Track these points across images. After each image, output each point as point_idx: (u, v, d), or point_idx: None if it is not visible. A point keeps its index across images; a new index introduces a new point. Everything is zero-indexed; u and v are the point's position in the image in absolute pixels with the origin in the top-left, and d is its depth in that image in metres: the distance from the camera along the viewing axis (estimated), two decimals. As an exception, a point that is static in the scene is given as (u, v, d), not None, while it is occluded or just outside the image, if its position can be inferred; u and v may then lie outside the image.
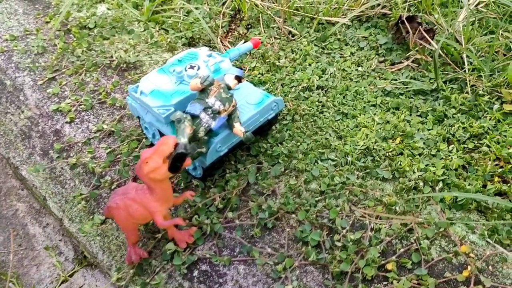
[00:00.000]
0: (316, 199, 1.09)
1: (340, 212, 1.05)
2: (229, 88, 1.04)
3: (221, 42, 1.61)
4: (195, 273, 1.02)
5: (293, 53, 1.53)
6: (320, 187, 1.11)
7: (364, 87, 1.38)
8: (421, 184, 1.08)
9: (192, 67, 1.12)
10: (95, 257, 1.16)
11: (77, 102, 1.42)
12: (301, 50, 1.53)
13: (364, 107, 1.32)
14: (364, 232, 1.01)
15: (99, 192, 1.20)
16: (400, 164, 1.13)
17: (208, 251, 1.03)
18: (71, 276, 1.26)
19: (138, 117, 1.22)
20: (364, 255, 0.97)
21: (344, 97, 1.36)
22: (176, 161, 0.85)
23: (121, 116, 1.37)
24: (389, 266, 0.95)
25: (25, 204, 1.43)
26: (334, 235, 1.01)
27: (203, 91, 1.01)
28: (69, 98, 1.44)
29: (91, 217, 1.19)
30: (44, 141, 1.38)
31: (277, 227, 1.06)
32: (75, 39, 1.62)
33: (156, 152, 0.87)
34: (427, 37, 1.44)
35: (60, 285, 1.24)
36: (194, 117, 1.01)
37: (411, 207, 1.04)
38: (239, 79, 1.06)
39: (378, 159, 1.16)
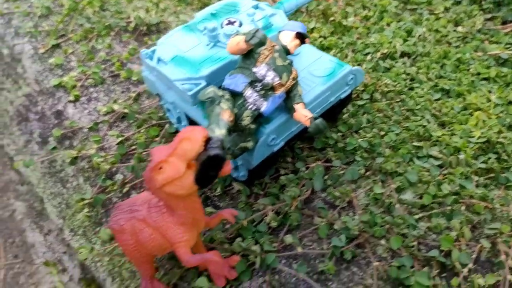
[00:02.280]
0: (416, 217, 0.73)
1: (457, 239, 0.69)
2: (287, 52, 0.69)
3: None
4: (238, 324, 0.69)
5: (364, 10, 1.15)
6: (420, 198, 0.75)
7: (470, 54, 0.99)
8: None
9: (231, 23, 0.78)
10: (103, 284, 0.86)
11: (84, 75, 1.11)
12: (375, 5, 1.15)
13: (473, 81, 0.94)
14: (499, 274, 0.65)
15: (107, 196, 0.89)
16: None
17: (257, 293, 0.70)
18: (75, 302, 0.96)
19: (158, 95, 0.89)
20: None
21: (442, 67, 0.98)
22: (207, 169, 0.52)
23: (138, 93, 1.05)
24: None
25: (25, 204, 1.14)
26: (451, 278, 0.66)
27: (249, 55, 0.67)
28: (75, 70, 1.13)
29: (97, 229, 0.88)
30: (43, 125, 1.07)
31: (359, 258, 0.72)
32: (86, -4, 1.29)
33: (175, 151, 0.53)
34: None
35: (61, 314, 0.95)
36: (236, 95, 0.66)
37: None
38: (301, 38, 0.70)
39: (506, 157, 0.78)
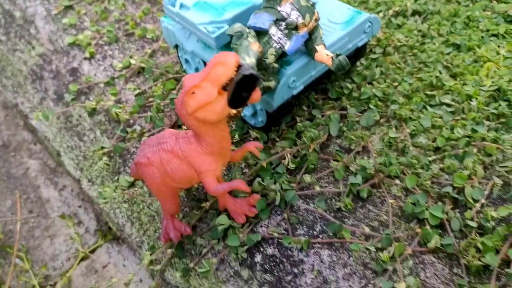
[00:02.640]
0: (430, 158, 0.75)
1: (469, 177, 0.72)
2: (309, -7, 0.71)
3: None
4: (258, 258, 0.72)
5: (375, -29, 1.16)
6: (433, 142, 0.78)
7: (479, 12, 1.01)
8: None
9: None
10: (121, 230, 0.88)
11: (99, 34, 1.12)
12: (385, -33, 1.16)
13: (482, 37, 0.96)
14: (511, 208, 0.67)
15: (126, 145, 0.91)
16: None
17: (277, 228, 0.73)
18: (92, 252, 0.99)
19: (176, 47, 0.91)
20: (516, 242, 0.64)
21: (452, 24, 1.00)
22: (242, 89, 0.53)
23: (153, 50, 1.06)
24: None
25: (38, 162, 1.16)
26: (464, 212, 0.68)
27: (273, -5, 0.68)
28: (89, 29, 1.14)
29: (115, 178, 0.90)
30: (58, 83, 1.09)
31: (375, 197, 0.74)
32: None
33: (207, 77, 0.55)
34: None
35: (79, 263, 0.97)
36: (260, 34, 0.68)
37: None
38: (323, -19, 0.72)
39: (517, 104, 0.81)
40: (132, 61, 1.01)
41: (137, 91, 0.96)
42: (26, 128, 1.21)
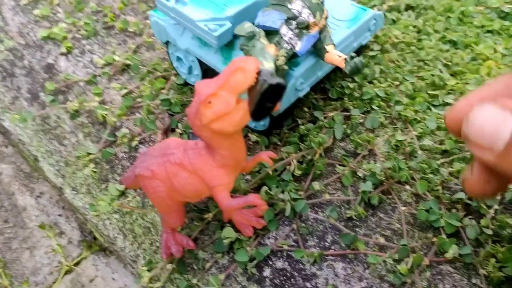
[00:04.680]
0: (438, 162, 0.74)
1: (481, 182, 0.70)
2: (318, -10, 0.67)
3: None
4: (267, 272, 0.68)
5: (365, -37, 1.13)
6: (441, 144, 0.76)
7: (472, 8, 1.00)
8: None
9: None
10: (113, 243, 0.82)
11: (75, 26, 1.03)
12: (375, -42, 1.13)
13: (478, 33, 0.95)
14: (524, 213, 0.67)
15: (114, 150, 0.84)
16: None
17: (286, 240, 0.69)
18: (77, 264, 0.92)
19: (166, 43, 0.84)
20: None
21: (446, 20, 0.98)
22: (267, 99, 0.49)
23: (137, 45, 0.99)
24: None
25: (11, 166, 1.07)
26: (478, 219, 0.67)
27: (282, -7, 0.64)
28: (64, 21, 1.05)
29: (103, 186, 0.83)
30: (32, 80, 1.00)
31: (385, 204, 0.72)
32: None
33: (226, 84, 0.50)
34: None
35: (63, 276, 0.90)
36: (269, 33, 0.63)
37: None
38: (331, -22, 0.68)
39: (520, 104, 0.80)
40: (116, 58, 0.94)
41: (124, 91, 0.89)
42: (-4, 129, 1.11)
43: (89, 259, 0.92)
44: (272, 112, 0.52)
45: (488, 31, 0.96)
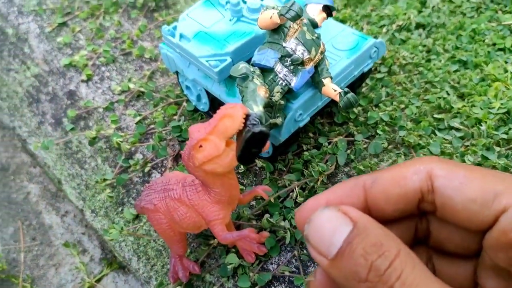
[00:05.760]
0: (441, 188, 0.74)
1: (482, 209, 0.70)
2: (314, 25, 0.68)
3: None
4: (269, 297, 0.71)
5: (376, -19, 1.13)
6: (444, 170, 0.76)
7: (484, 24, 0.99)
8: None
9: (253, -3, 0.76)
10: (128, 264, 0.87)
11: (95, 53, 1.09)
12: (387, -24, 1.13)
13: (489, 52, 0.93)
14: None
15: (129, 176, 0.89)
16: None
17: (288, 266, 0.71)
18: (98, 281, 0.97)
19: (177, 73, 0.88)
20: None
21: (457, 38, 0.98)
22: (251, 145, 0.51)
23: (152, 71, 1.03)
24: None
25: (38, 186, 1.14)
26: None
27: (278, 29, 0.66)
28: (85, 48, 1.11)
29: (119, 209, 0.88)
30: (56, 106, 1.06)
31: (386, 230, 0.73)
32: (89, -28, 1.26)
33: (215, 129, 0.53)
34: None
35: (85, 293, 0.96)
36: (265, 71, 0.66)
37: None
38: (328, 11, 0.69)
39: (527, 127, 0.79)
40: (131, 85, 0.98)
41: (138, 118, 0.93)
42: (24, 150, 1.19)
43: (109, 276, 0.98)
44: (260, 153, 0.55)
45: (500, 49, 0.94)
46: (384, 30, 1.00)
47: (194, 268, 0.73)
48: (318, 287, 0.38)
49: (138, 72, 1.04)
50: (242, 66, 0.63)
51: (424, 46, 0.97)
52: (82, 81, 1.05)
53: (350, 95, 0.65)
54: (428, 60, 0.94)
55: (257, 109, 0.58)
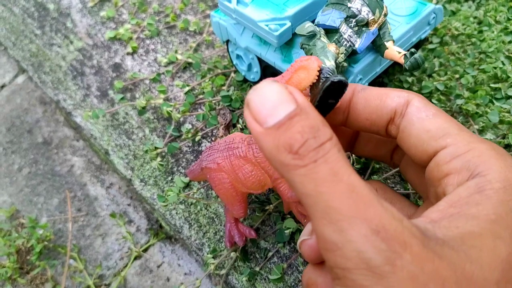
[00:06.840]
0: (501, 156, 0.73)
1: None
2: (377, -13, 0.67)
3: None
4: (326, 262, 0.70)
5: (422, -46, 1.11)
6: (504, 139, 0.75)
7: (537, -5, 0.97)
8: None
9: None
10: (179, 231, 0.87)
11: (139, 27, 1.09)
12: (433, -51, 1.11)
13: (543, 22, 0.91)
14: None
15: (179, 145, 0.89)
16: None
17: (346, 232, 0.71)
18: (145, 251, 0.99)
19: (226, 42, 0.88)
20: None
21: (508, 10, 0.96)
22: (330, 96, 0.51)
23: (197, 43, 1.03)
24: None
25: (82, 159, 1.15)
26: None
27: (342, -9, 0.65)
28: (129, 22, 1.11)
29: (169, 178, 0.89)
30: (101, 79, 1.07)
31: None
32: None
33: (289, 81, 0.53)
34: None
35: (132, 262, 0.97)
36: (329, 32, 0.65)
37: None
38: (390, -27, 0.68)
39: None
40: (178, 56, 0.99)
41: (186, 88, 0.93)
42: (67, 125, 1.20)
43: (156, 246, 0.99)
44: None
45: (555, 20, 0.92)
46: (434, 1, 0.98)
47: (251, 233, 0.74)
48: (313, 246, 0.41)
49: (183, 45, 1.04)
50: (309, 25, 0.62)
51: (475, 18, 0.95)
52: (128, 53, 1.06)
53: (418, 55, 0.64)
54: (480, 31, 0.92)
55: (330, 63, 0.57)
